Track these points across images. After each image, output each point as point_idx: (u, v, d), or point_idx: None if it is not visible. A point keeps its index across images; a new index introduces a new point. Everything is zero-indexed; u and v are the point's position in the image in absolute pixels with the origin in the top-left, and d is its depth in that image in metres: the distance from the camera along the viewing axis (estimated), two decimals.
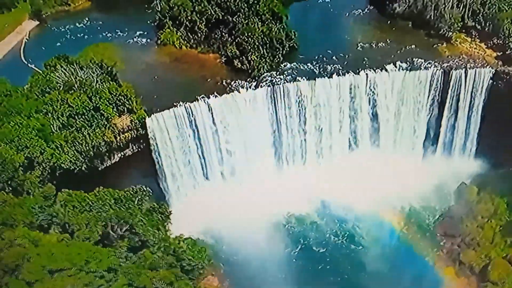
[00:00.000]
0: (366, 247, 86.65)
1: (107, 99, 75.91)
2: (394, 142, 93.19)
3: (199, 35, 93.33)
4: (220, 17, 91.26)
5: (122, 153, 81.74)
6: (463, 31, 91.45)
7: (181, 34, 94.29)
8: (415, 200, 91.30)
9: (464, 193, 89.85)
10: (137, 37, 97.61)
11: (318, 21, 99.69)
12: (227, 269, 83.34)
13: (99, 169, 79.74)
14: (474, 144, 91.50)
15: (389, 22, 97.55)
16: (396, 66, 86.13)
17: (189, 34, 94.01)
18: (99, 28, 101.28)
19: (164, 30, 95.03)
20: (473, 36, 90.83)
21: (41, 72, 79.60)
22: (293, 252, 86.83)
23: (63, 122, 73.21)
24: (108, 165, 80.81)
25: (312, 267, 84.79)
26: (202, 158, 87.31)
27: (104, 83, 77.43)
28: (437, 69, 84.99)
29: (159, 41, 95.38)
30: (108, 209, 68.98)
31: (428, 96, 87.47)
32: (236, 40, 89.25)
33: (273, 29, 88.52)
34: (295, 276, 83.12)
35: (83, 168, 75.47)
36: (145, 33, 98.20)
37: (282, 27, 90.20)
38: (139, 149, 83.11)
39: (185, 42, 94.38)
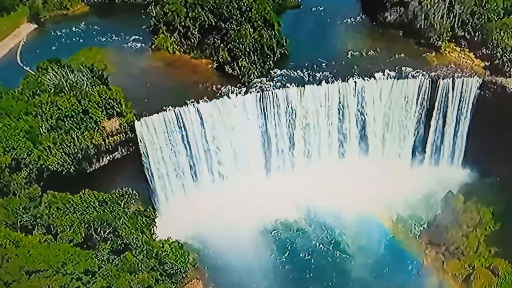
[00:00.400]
0: (352, 255, 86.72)
1: (96, 102, 76.92)
2: (382, 150, 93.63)
3: (192, 40, 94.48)
4: (213, 23, 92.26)
5: (111, 156, 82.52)
6: (453, 40, 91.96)
7: (174, 39, 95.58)
8: (402, 208, 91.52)
9: (451, 201, 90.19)
10: (132, 42, 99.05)
11: (311, 29, 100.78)
12: (212, 273, 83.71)
13: (88, 171, 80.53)
14: (462, 153, 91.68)
15: (380, 30, 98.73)
16: (384, 74, 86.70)
17: (182, 39, 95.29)
18: (95, 32, 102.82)
19: (158, 35, 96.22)
20: (462, 46, 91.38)
21: (32, 74, 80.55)
22: (279, 259, 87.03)
23: (52, 124, 74.06)
24: (97, 167, 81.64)
25: (298, 274, 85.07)
26: (191, 162, 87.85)
27: (94, 86, 78.43)
28: (425, 78, 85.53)
29: (153, 46, 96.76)
30: (92, 211, 69.59)
31: (416, 105, 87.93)
32: (228, 46, 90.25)
33: (264, 36, 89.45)
34: (280, 283, 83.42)
35: (71, 171, 76.08)
36: (140, 38, 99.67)
37: (273, 34, 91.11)
38: (129, 153, 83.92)
39: (179, 47, 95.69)
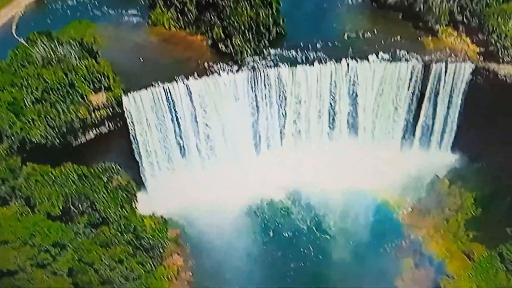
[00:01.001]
0: (334, 236, 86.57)
1: (83, 76, 76.87)
2: (372, 133, 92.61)
3: (189, 16, 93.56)
4: (210, 0, 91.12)
5: (98, 131, 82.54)
6: (451, 25, 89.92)
7: (171, 15, 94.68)
8: (389, 191, 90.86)
9: (436, 185, 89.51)
10: (128, 17, 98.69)
11: (311, 9, 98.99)
12: (194, 250, 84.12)
13: (74, 145, 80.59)
14: (452, 138, 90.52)
15: (380, 12, 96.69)
16: (378, 57, 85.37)
17: (179, 15, 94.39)
18: (93, 6, 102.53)
19: (155, 10, 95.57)
20: (460, 31, 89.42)
21: (21, 46, 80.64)
22: (262, 238, 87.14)
23: (37, 97, 74.10)
24: (83, 141, 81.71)
25: (281, 255, 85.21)
26: (179, 139, 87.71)
27: (82, 60, 78.21)
28: (418, 62, 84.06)
29: (149, 21, 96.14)
30: (71, 184, 69.98)
31: (408, 88, 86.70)
32: (223, 24, 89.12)
33: (261, 14, 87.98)
34: (261, 263, 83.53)
35: (56, 144, 76.13)
36: (137, 13, 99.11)
37: (271, 12, 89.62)
38: (117, 128, 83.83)
39: (175, 23, 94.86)
